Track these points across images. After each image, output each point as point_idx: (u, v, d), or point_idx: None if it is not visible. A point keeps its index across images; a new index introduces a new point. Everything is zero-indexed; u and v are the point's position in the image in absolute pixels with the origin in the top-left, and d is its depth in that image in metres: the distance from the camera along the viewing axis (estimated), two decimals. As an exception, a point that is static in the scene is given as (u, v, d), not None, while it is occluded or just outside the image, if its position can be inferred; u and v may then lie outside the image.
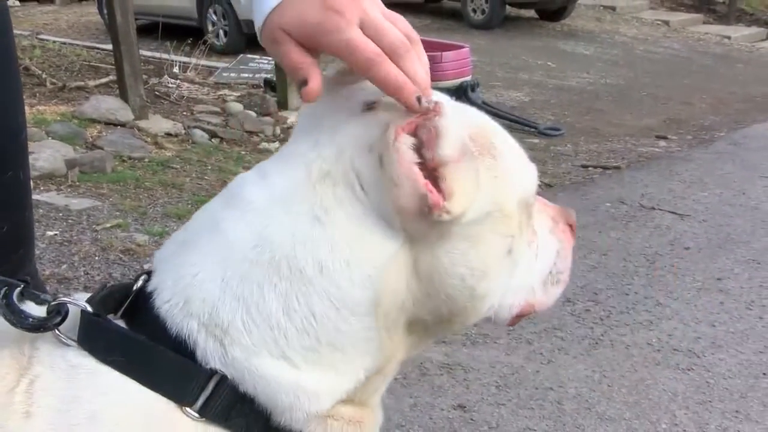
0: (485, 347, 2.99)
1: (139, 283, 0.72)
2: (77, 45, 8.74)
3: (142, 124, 5.51)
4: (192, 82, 7.15)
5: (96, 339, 0.68)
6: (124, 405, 0.66)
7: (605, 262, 3.83)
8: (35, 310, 0.70)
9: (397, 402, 2.59)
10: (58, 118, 5.38)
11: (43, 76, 6.47)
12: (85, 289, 3.16)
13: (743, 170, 5.52)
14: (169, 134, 5.50)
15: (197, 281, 0.68)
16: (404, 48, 0.69)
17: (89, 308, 0.69)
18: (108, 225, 3.83)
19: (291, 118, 6.12)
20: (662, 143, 6.47)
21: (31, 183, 1.24)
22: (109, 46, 6.32)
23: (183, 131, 5.59)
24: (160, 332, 0.68)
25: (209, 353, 0.67)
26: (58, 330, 0.68)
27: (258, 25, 0.73)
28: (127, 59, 5.59)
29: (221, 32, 9.46)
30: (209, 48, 8.02)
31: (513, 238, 0.74)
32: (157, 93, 6.50)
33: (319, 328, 0.67)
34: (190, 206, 4.16)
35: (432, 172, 0.65)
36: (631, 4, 14.13)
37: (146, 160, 4.92)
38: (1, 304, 0.69)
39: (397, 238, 0.68)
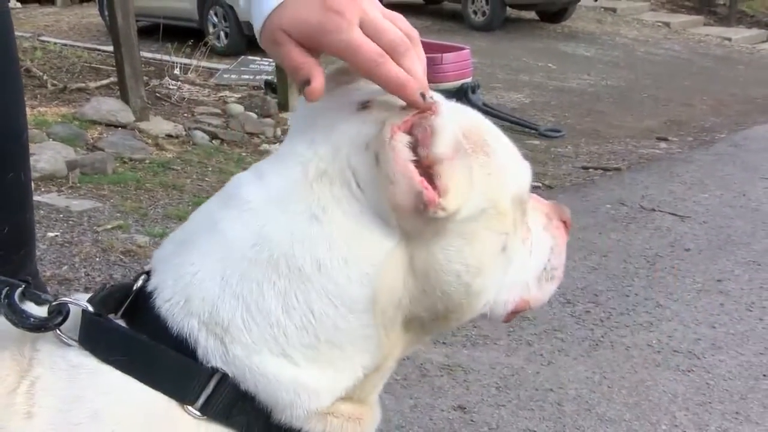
0: (485, 348, 2.99)
1: (139, 282, 0.72)
2: (78, 47, 8.76)
3: (142, 125, 5.52)
4: (193, 83, 7.16)
5: (97, 339, 0.68)
6: (125, 404, 0.66)
7: (605, 264, 3.83)
8: (36, 310, 0.71)
9: (397, 403, 2.59)
10: (59, 119, 5.39)
11: (44, 77, 6.48)
12: (86, 290, 3.16)
13: (744, 172, 5.52)
14: (169, 136, 5.50)
15: (197, 280, 0.69)
16: (404, 46, 0.69)
17: (90, 308, 0.69)
18: (109, 226, 3.84)
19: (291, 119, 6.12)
20: (663, 145, 6.47)
21: (32, 184, 1.24)
22: (110, 48, 6.33)
23: (184, 133, 5.59)
24: (161, 331, 0.68)
25: (210, 352, 0.67)
26: (59, 330, 0.68)
27: (257, 27, 0.74)
28: (128, 61, 5.60)
29: (222, 34, 9.47)
30: (210, 50, 8.02)
31: (507, 234, 0.75)
32: (157, 94, 6.51)
33: (318, 325, 0.68)
34: (190, 207, 4.17)
35: (427, 169, 0.66)
36: (632, 6, 14.14)
37: (147, 161, 4.93)
38: (3, 304, 0.69)
39: (394, 236, 0.68)
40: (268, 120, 6.09)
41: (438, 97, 0.72)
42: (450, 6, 12.53)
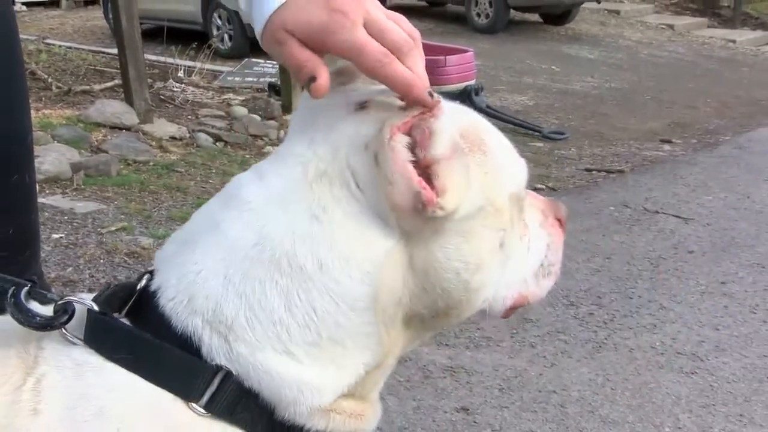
0: (488, 350, 2.99)
1: (143, 282, 0.73)
2: (83, 49, 8.79)
3: (147, 127, 5.53)
4: (197, 86, 7.17)
5: (102, 337, 0.69)
6: (131, 401, 0.67)
7: (609, 266, 3.83)
8: (41, 309, 0.71)
9: (400, 405, 2.59)
10: (64, 121, 5.41)
11: (49, 80, 6.51)
12: (90, 291, 3.16)
13: (748, 174, 5.51)
14: (173, 138, 5.52)
15: (200, 279, 0.69)
16: (408, 46, 0.70)
17: (95, 307, 0.70)
18: (113, 228, 3.85)
19: (295, 122, 6.13)
20: (667, 147, 6.47)
21: (37, 186, 1.25)
22: (115, 51, 6.36)
23: (188, 135, 5.61)
24: (165, 330, 0.69)
25: (214, 349, 0.68)
26: (65, 329, 0.69)
27: (258, 28, 0.74)
28: (133, 63, 5.61)
29: (226, 36, 9.49)
30: (214, 52, 8.05)
31: (505, 231, 0.75)
32: (162, 97, 6.53)
33: (320, 323, 0.68)
34: (194, 209, 4.10)
35: (425, 169, 0.67)
36: (636, 8, 14.13)
37: (151, 163, 4.94)
38: (9, 303, 0.70)
39: (393, 235, 0.69)
40: (272, 122, 6.10)
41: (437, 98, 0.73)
42: (453, 8, 12.53)
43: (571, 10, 12.31)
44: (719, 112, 7.90)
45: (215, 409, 0.67)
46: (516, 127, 6.35)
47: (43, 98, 6.06)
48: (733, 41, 12.38)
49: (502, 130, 0.81)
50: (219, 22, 9.58)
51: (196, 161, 5.12)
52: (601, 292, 3.54)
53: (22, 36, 1.20)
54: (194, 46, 7.79)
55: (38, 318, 0.69)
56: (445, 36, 10.56)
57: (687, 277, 3.71)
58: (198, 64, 7.51)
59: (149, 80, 6.22)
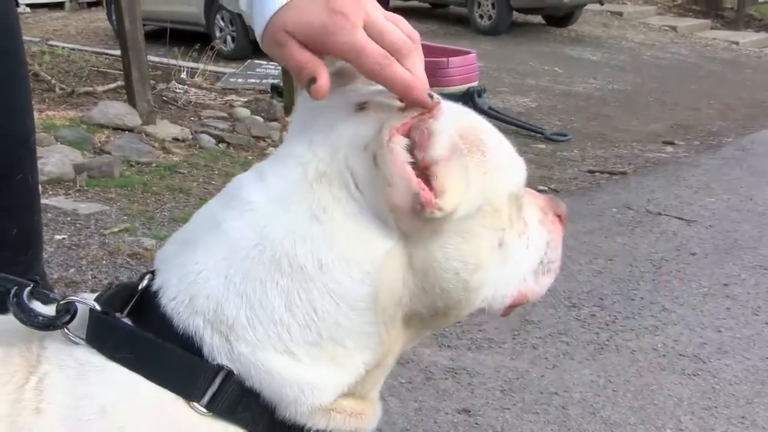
0: (490, 352, 2.99)
1: (144, 282, 0.73)
2: (86, 51, 8.81)
3: (149, 129, 5.54)
4: (199, 87, 7.19)
5: (104, 337, 0.69)
6: (133, 401, 0.67)
7: (611, 268, 3.83)
8: (44, 309, 0.72)
9: (402, 406, 2.59)
10: (67, 123, 5.43)
11: (53, 81, 6.52)
12: (93, 292, 3.17)
13: (751, 176, 5.50)
14: (176, 139, 5.53)
15: (201, 279, 0.70)
16: (407, 48, 0.70)
17: (97, 307, 0.71)
18: (116, 229, 3.85)
19: (298, 123, 6.14)
20: (669, 149, 6.46)
21: (40, 187, 1.25)
22: (118, 52, 6.37)
23: (190, 136, 5.62)
24: (166, 329, 0.69)
25: (216, 349, 0.69)
26: (67, 328, 0.69)
27: (259, 30, 0.74)
28: (135, 65, 5.63)
29: (229, 38, 9.50)
30: (217, 53, 8.06)
31: (504, 230, 0.76)
32: (164, 98, 6.54)
33: (320, 323, 0.69)
34: (196, 211, 4.17)
35: (424, 170, 0.67)
36: (639, 10, 14.13)
37: (154, 164, 4.95)
38: (12, 302, 0.70)
39: (392, 236, 0.70)
40: (275, 124, 6.11)
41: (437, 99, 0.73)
42: (456, 10, 12.53)
43: (573, 12, 12.31)
44: (722, 113, 7.90)
45: (217, 408, 0.68)
46: (518, 128, 6.36)
47: (47, 99, 6.07)
48: (737, 43, 12.37)
49: (505, 131, 0.81)
50: (222, 23, 9.60)
51: (199, 162, 5.13)
52: (603, 293, 3.53)
53: (25, 37, 1.21)
54: (197, 47, 7.81)
55: (41, 317, 0.69)
56: (447, 38, 10.56)
57: (689, 279, 3.71)
58: (201, 66, 7.52)
59: (152, 82, 6.23)
